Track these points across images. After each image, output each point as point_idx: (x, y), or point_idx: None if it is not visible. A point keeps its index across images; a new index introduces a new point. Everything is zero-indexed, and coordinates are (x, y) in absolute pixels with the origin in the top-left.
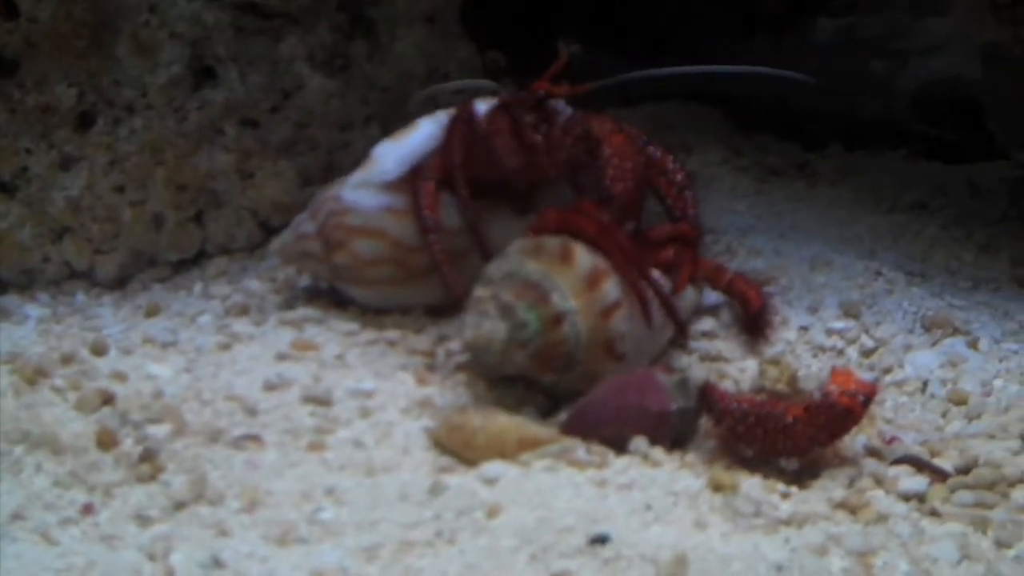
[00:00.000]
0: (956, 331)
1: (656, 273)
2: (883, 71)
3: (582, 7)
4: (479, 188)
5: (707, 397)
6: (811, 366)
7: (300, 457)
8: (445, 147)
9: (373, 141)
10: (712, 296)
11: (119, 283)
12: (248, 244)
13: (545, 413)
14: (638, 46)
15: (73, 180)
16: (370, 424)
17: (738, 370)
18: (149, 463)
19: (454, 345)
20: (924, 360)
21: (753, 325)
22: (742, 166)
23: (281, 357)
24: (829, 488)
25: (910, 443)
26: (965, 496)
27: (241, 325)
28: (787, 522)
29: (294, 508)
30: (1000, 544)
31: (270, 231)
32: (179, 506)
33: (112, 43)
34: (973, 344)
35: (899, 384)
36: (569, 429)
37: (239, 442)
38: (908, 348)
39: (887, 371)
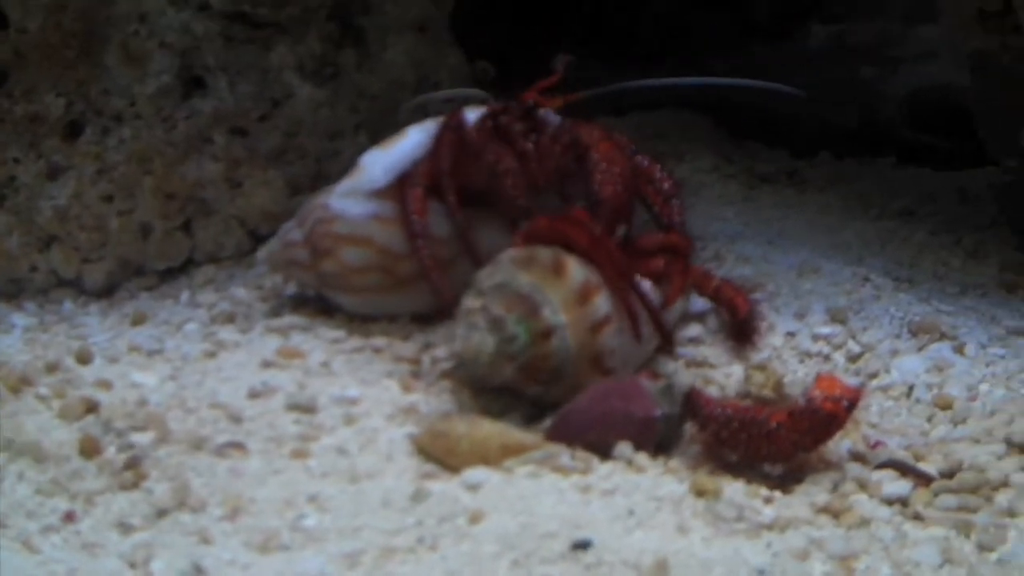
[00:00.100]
0: (943, 336)
1: (646, 284)
2: (874, 78)
3: (574, 17)
4: (467, 196)
5: (692, 403)
6: (797, 372)
7: (284, 464)
8: (434, 154)
9: (362, 150)
10: (699, 303)
11: (107, 292)
12: (237, 253)
13: (530, 419)
14: (631, 55)
15: (61, 189)
16: (354, 431)
17: (724, 376)
18: (132, 471)
19: (440, 352)
20: (910, 365)
21: (740, 331)
22: (731, 173)
23: (266, 365)
24: (812, 493)
25: (895, 447)
26: (948, 500)
27: (227, 333)
28: (769, 527)
29: (277, 515)
30: (982, 548)
31: (259, 240)
32: (161, 514)
33: (101, 53)
34: (959, 349)
35: (885, 389)
36: (554, 435)
37: (222, 450)
38: (894, 353)
39: (873, 376)
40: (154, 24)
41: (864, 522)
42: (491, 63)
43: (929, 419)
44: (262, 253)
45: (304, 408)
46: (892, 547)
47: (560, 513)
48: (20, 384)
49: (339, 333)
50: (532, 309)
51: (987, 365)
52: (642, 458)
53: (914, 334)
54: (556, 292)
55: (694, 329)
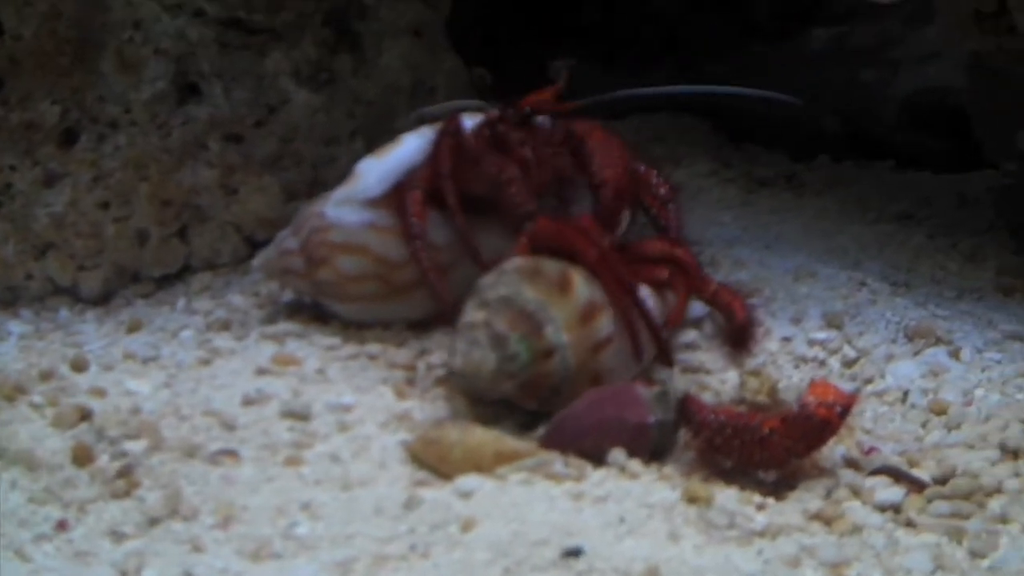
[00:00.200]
0: (939, 341)
1: (646, 291)
2: (874, 80)
3: (574, 20)
4: (464, 203)
5: (685, 409)
6: (792, 377)
7: (277, 472)
8: (433, 158)
9: (358, 155)
10: (696, 308)
11: (103, 299)
12: (233, 259)
13: (524, 426)
14: (631, 58)
15: (57, 196)
16: (348, 438)
17: (719, 381)
18: (124, 479)
19: (435, 359)
20: (905, 370)
21: (736, 337)
22: (730, 177)
23: (261, 372)
24: (805, 499)
25: (889, 453)
26: (941, 506)
27: (223, 340)
28: (761, 534)
29: (269, 523)
30: (975, 554)
31: (255, 246)
32: (153, 522)
33: (96, 59)
34: (955, 354)
35: (880, 394)
36: (548, 442)
37: (215, 457)
38: (890, 358)
39: (868, 381)
40: (149, 31)
41: (856, 529)
42: (488, 68)
43: (924, 424)
44: (258, 261)
45: (298, 415)
46: (884, 554)
47: (552, 520)
48: (14, 392)
49: (334, 340)
50: (535, 328)
51: (983, 370)
52: (635, 464)
53: (910, 339)
54: (560, 310)
55: (690, 335)
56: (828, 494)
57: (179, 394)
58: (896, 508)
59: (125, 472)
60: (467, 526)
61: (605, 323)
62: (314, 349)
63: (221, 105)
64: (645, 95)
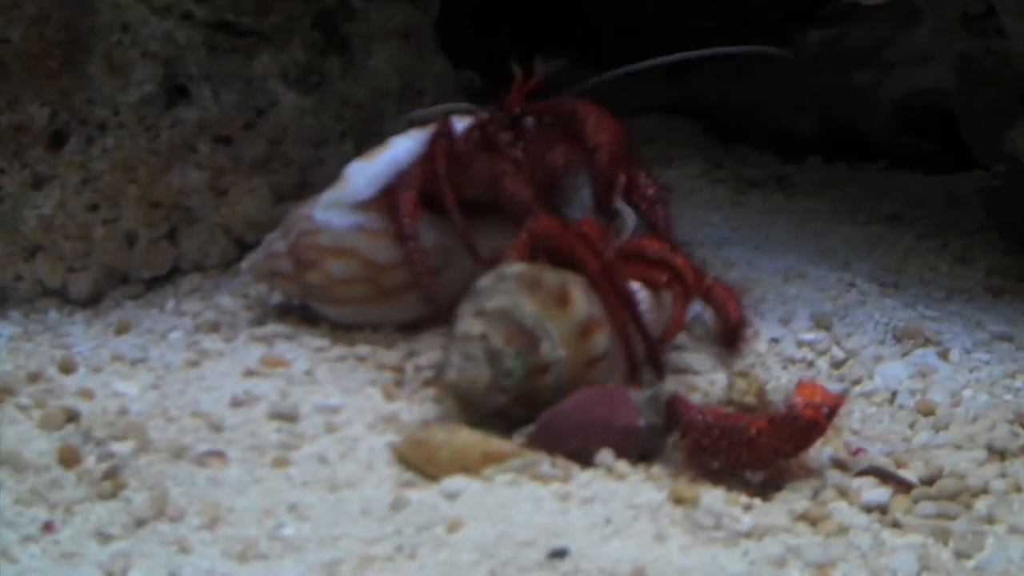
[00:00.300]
0: (927, 342)
1: (642, 292)
2: (867, 82)
3: (565, 21)
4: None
5: (673, 410)
6: (781, 378)
7: (264, 473)
8: (428, 159)
9: (347, 158)
10: (688, 312)
11: (92, 301)
12: (222, 261)
13: (512, 425)
14: (624, 60)
15: (45, 199)
16: (335, 440)
17: (708, 383)
18: (111, 480)
19: (424, 361)
20: (893, 371)
21: (728, 337)
22: (720, 178)
23: (249, 373)
24: (792, 500)
25: (876, 454)
26: (928, 507)
27: (211, 342)
28: (748, 534)
29: (256, 524)
30: (960, 555)
31: (244, 248)
32: (140, 523)
33: (84, 62)
34: (944, 355)
35: (868, 395)
36: (536, 441)
37: (203, 459)
38: (878, 359)
39: (856, 382)
40: (137, 33)
41: (842, 530)
42: (477, 71)
43: (911, 425)
44: (246, 264)
45: (286, 417)
46: (870, 555)
47: (538, 521)
48: (1, 394)
49: (323, 342)
50: (532, 343)
51: (971, 371)
52: (623, 465)
53: (898, 340)
54: (558, 325)
55: (679, 336)
56: (815, 495)
57: (167, 396)
58: (882, 509)
59: (112, 473)
60: (453, 527)
61: (602, 339)
62: (303, 351)
63: (210, 107)
64: (621, 73)
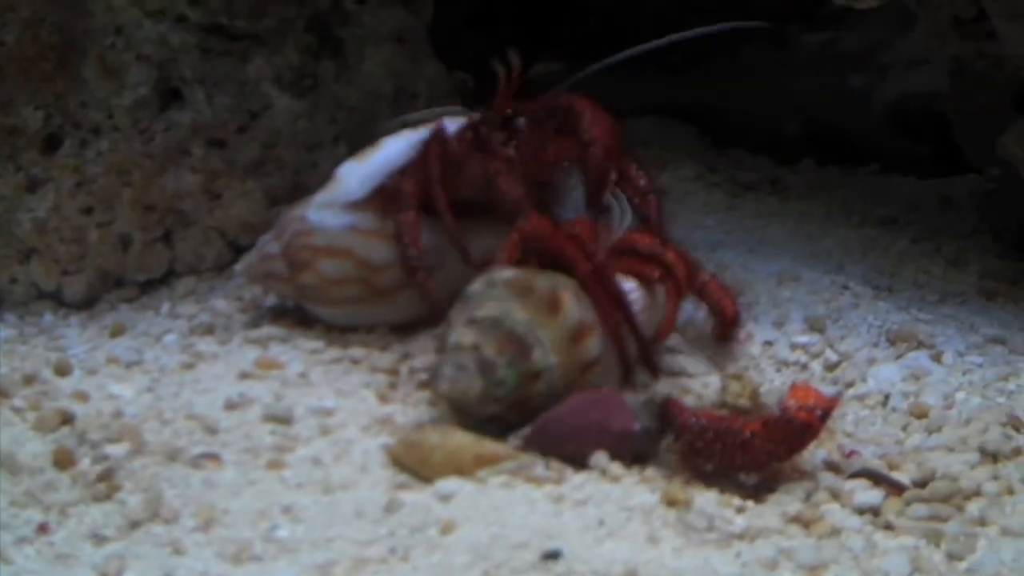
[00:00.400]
0: (920, 344)
1: (634, 287)
2: (861, 85)
3: (560, 24)
4: (454, 208)
5: (667, 412)
6: (775, 381)
7: (258, 475)
8: (422, 165)
9: (341, 161)
10: (682, 314)
11: (87, 304)
12: (217, 264)
13: (507, 428)
14: (619, 66)
15: (40, 202)
16: (329, 442)
17: (701, 385)
18: (106, 482)
19: (418, 363)
20: (887, 374)
21: (724, 333)
22: (715, 182)
23: (244, 376)
24: (784, 502)
25: (869, 457)
26: (920, 509)
27: (206, 344)
28: (740, 536)
29: (250, 526)
30: (952, 557)
31: (239, 251)
32: (134, 525)
33: (79, 65)
34: (937, 357)
35: (861, 398)
36: (531, 444)
37: (197, 461)
38: (872, 362)
39: (850, 385)
40: (131, 36)
41: (835, 532)
42: (472, 74)
43: (904, 428)
44: (240, 266)
45: (280, 419)
46: (862, 557)
47: (532, 523)
48: None
49: (318, 344)
50: (524, 351)
51: (964, 373)
52: (617, 468)
53: (892, 342)
54: (549, 331)
55: (672, 338)
56: (808, 497)
57: (162, 398)
58: (875, 511)
59: (106, 475)
60: (447, 529)
61: (594, 344)
62: (297, 353)
63: (203, 111)
64: (610, 63)
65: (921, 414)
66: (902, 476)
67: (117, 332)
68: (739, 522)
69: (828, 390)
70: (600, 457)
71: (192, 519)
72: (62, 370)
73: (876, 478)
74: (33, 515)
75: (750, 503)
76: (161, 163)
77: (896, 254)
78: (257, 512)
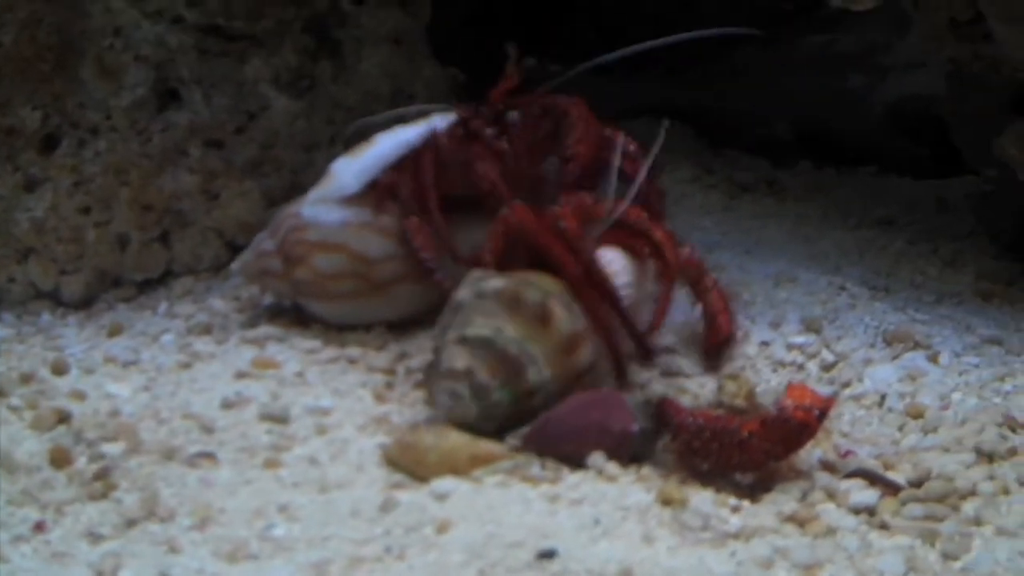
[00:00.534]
0: (917, 345)
1: (623, 260)
2: (859, 86)
3: (558, 25)
4: (449, 204)
5: (663, 412)
6: (771, 381)
7: (255, 474)
8: (417, 170)
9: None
10: (678, 313)
11: (85, 303)
12: (214, 264)
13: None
14: (620, 62)
15: (37, 201)
16: (326, 441)
17: (698, 385)
18: (102, 481)
19: (414, 362)
20: (883, 374)
21: (713, 351)
22: (712, 183)
23: (241, 375)
24: (780, 502)
25: (865, 457)
26: (915, 509)
27: (203, 344)
28: (735, 536)
29: (246, 525)
30: (947, 557)
31: (236, 251)
32: (130, 523)
33: (76, 66)
34: (933, 358)
35: (857, 398)
36: (530, 445)
37: (193, 460)
38: (868, 362)
39: (846, 385)
40: (129, 37)
41: (830, 531)
42: (468, 71)
43: (900, 428)
44: (236, 264)
45: (277, 418)
46: (856, 556)
47: (527, 523)
48: None
49: (315, 343)
50: (517, 371)
51: (960, 374)
52: (613, 467)
53: (888, 343)
54: (541, 346)
55: (668, 338)
56: (803, 496)
57: (158, 397)
58: (870, 511)
59: (103, 474)
60: (442, 528)
61: (587, 352)
62: (294, 352)
63: (201, 111)
64: (600, 63)
65: (917, 414)
66: (898, 476)
67: (114, 332)
68: (734, 521)
69: (824, 390)
70: (597, 457)
71: (188, 518)
72: (59, 369)
73: (872, 478)
74: (30, 513)
75: (745, 502)
76: (159, 163)
77: (893, 255)
78: (253, 511)
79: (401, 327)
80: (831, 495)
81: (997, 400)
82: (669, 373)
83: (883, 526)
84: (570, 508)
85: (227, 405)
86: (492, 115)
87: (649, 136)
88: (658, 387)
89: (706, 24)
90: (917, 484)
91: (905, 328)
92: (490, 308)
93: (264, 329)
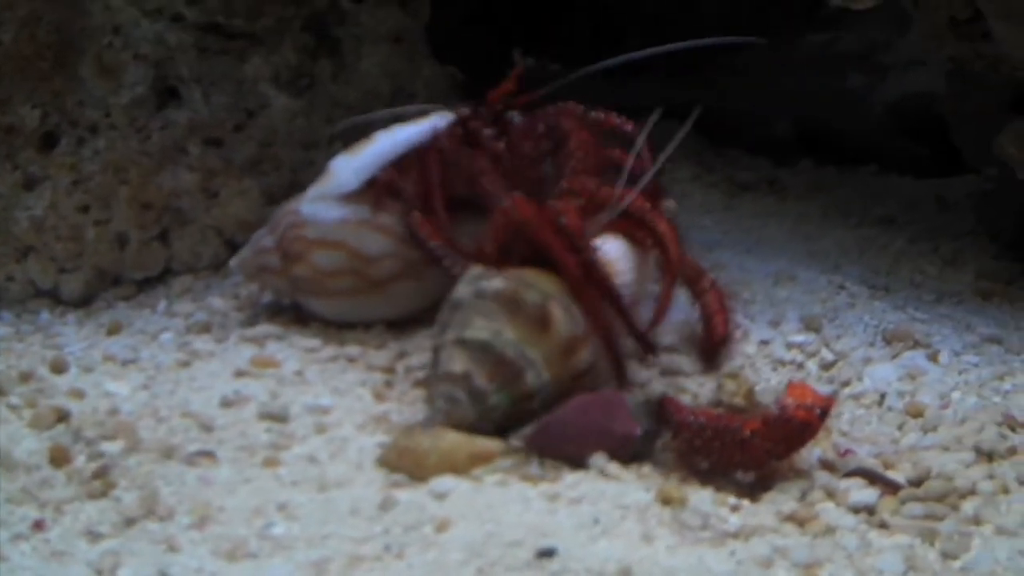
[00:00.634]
0: (917, 344)
1: (624, 249)
2: (860, 86)
3: (559, 25)
4: (452, 203)
5: (664, 411)
6: (770, 380)
7: (254, 473)
8: (420, 170)
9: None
10: (677, 312)
11: (84, 301)
12: (213, 262)
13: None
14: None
15: (37, 200)
16: (325, 440)
17: (697, 384)
18: (101, 480)
19: (414, 361)
20: (883, 373)
21: (709, 353)
22: (712, 182)
23: (240, 374)
24: (780, 501)
25: (865, 456)
26: (915, 508)
27: (202, 342)
28: (735, 535)
29: (245, 524)
30: (946, 556)
31: (235, 249)
32: (129, 522)
33: (76, 64)
34: (933, 357)
35: (857, 397)
36: (532, 445)
37: (192, 458)
38: (868, 361)
39: (845, 384)
40: (128, 36)
41: (829, 530)
42: (467, 71)
43: (900, 427)
44: (235, 261)
45: (276, 417)
46: (856, 555)
47: (526, 521)
48: None
49: (314, 342)
50: (515, 375)
51: (960, 373)
52: (614, 467)
53: (888, 342)
54: (540, 349)
55: (668, 337)
56: (803, 496)
57: (157, 396)
58: (870, 510)
59: (102, 473)
60: (441, 527)
61: (586, 354)
62: (293, 351)
63: (200, 109)
64: (602, 67)
65: (917, 413)
66: (897, 475)
67: (114, 330)
68: (734, 520)
69: (824, 389)
70: (599, 458)
71: (187, 516)
72: (58, 368)
73: (871, 477)
74: (29, 512)
75: (745, 502)
76: (158, 161)
77: (893, 254)
78: (252, 509)
79: (400, 326)
80: (830, 494)
81: (997, 399)
82: (668, 372)
83: (882, 525)
84: (569, 507)
85: (226, 403)
86: (491, 116)
87: (650, 135)
88: (658, 386)
89: (706, 23)
90: (917, 483)
91: (905, 327)
92: (489, 309)
93: (263, 328)
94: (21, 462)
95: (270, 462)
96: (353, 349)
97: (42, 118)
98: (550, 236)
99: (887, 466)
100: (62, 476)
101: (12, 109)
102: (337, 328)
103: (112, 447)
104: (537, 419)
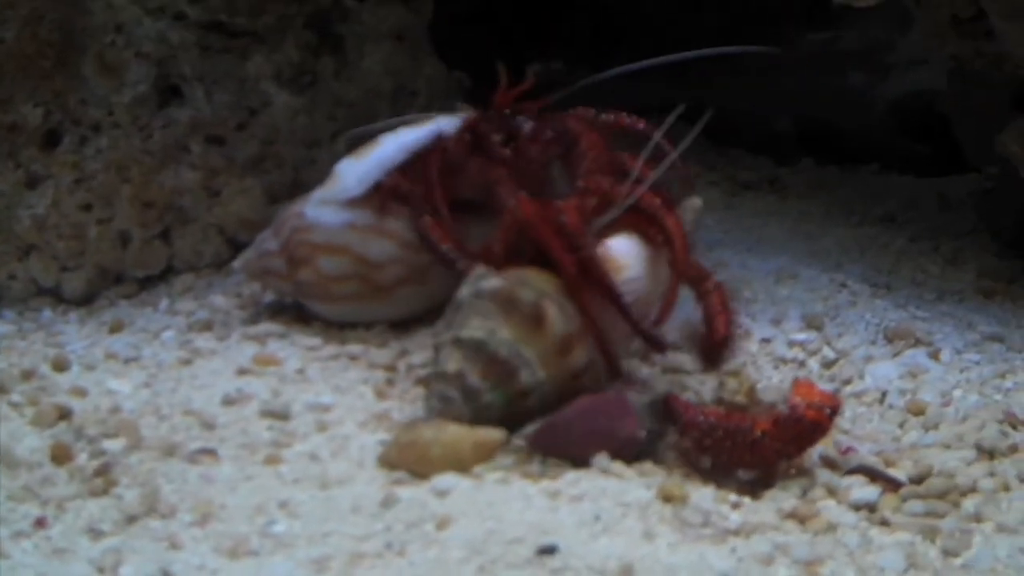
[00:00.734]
0: (918, 342)
1: (637, 247)
2: (861, 84)
3: (562, 25)
4: (457, 205)
5: (670, 409)
6: (772, 378)
7: (255, 471)
8: (425, 173)
9: (339, 158)
10: (681, 311)
11: (86, 300)
12: (215, 261)
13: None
14: (618, 63)
15: (39, 198)
16: (327, 438)
17: (698, 382)
18: (103, 477)
19: (415, 359)
20: (884, 371)
21: (709, 353)
22: (714, 181)
23: (242, 372)
24: (781, 498)
25: (866, 453)
26: (916, 506)
27: (204, 340)
28: (736, 532)
29: (247, 521)
30: (947, 553)
31: (238, 247)
32: (131, 520)
33: (78, 63)
34: (934, 355)
35: (858, 395)
36: (535, 446)
37: (194, 456)
38: (869, 359)
39: (847, 382)
40: (130, 34)
41: (830, 528)
42: (471, 72)
43: (901, 425)
44: (238, 262)
45: (278, 415)
46: (857, 552)
47: (527, 519)
48: None
49: (315, 340)
50: (509, 374)
51: (961, 371)
52: (617, 466)
53: (889, 340)
54: (535, 348)
55: (671, 334)
56: (804, 493)
57: (159, 394)
58: (871, 507)
59: (103, 470)
60: (443, 524)
61: (582, 352)
62: (295, 349)
63: (203, 108)
64: (610, 76)
65: (918, 411)
66: (899, 473)
67: (115, 328)
68: (735, 518)
69: (825, 387)
70: (601, 458)
71: (189, 514)
72: (60, 366)
73: (873, 474)
74: (31, 509)
75: (746, 499)
76: (160, 160)
77: (894, 252)
78: (254, 507)
79: (402, 324)
80: (832, 492)
81: (998, 397)
82: (670, 369)
83: (884, 522)
84: (571, 504)
85: (228, 401)
86: (499, 121)
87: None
88: (660, 383)
89: (706, 23)
90: (918, 481)
91: (906, 325)
92: (486, 309)
93: (265, 326)
94: (23, 460)
95: (272, 460)
96: (355, 347)
97: (44, 116)
98: (549, 235)
99: (888, 464)
100: (64, 474)
101: (14, 107)
102: (339, 327)
103: (114, 445)
104: (535, 418)
